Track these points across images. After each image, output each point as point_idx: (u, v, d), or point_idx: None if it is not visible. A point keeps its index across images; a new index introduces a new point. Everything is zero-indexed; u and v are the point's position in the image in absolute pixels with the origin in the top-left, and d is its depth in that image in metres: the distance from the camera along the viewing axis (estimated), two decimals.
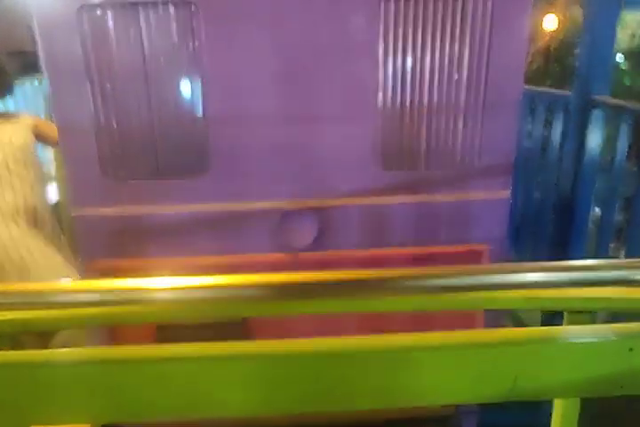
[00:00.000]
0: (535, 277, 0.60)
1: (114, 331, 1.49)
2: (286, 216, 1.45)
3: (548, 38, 5.37)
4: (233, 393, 0.59)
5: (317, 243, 1.48)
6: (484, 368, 0.58)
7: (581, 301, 0.72)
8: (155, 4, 1.30)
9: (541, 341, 0.59)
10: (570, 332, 0.64)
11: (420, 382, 0.58)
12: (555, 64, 5.34)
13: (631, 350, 0.57)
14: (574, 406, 0.69)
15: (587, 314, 0.72)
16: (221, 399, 0.59)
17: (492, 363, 0.58)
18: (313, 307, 0.77)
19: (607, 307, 0.81)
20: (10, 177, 1.79)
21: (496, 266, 0.64)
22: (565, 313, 0.74)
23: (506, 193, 1.50)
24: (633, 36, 5.82)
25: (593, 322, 0.72)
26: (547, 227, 2.42)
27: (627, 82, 5.48)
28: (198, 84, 1.36)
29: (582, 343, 0.59)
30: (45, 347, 1.95)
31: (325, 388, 0.58)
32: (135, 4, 1.30)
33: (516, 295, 0.72)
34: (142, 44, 1.32)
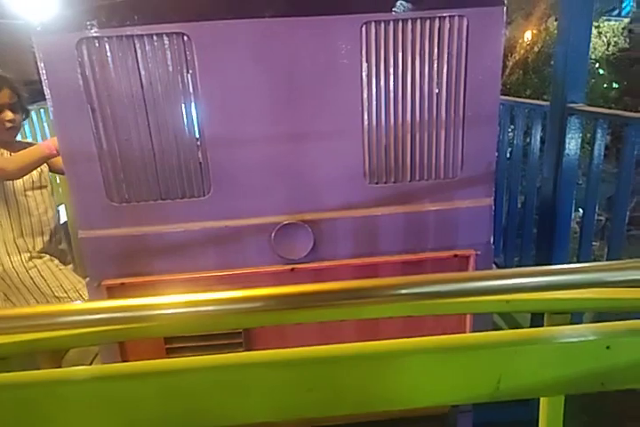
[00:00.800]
0: (516, 282, 0.62)
1: (124, 344, 1.55)
2: (282, 230, 1.53)
3: (525, 50, 5.54)
4: (233, 401, 0.62)
5: (312, 254, 1.56)
6: (468, 370, 0.61)
7: (560, 302, 0.77)
8: (150, 36, 1.38)
9: (522, 342, 0.62)
10: (549, 333, 0.66)
11: (407, 385, 0.61)
12: (533, 75, 5.51)
13: (608, 347, 0.60)
14: (559, 403, 0.74)
15: (566, 315, 0.78)
16: (232, 408, 0.62)
17: (476, 365, 0.61)
18: (309, 316, 0.83)
19: (584, 307, 0.85)
20: (41, 197, 1.93)
21: (479, 273, 0.68)
22: (546, 315, 0.79)
23: (489, 200, 1.59)
24: (608, 43, 6.01)
25: (572, 322, 0.78)
26: (531, 230, 2.51)
27: (604, 86, 5.65)
28: (194, 110, 1.44)
29: (562, 343, 0.61)
30: (58, 365, 2.00)
31: (318, 393, 0.61)
32: (131, 36, 1.38)
33: (499, 299, 0.77)
34: (140, 73, 1.40)
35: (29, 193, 2.01)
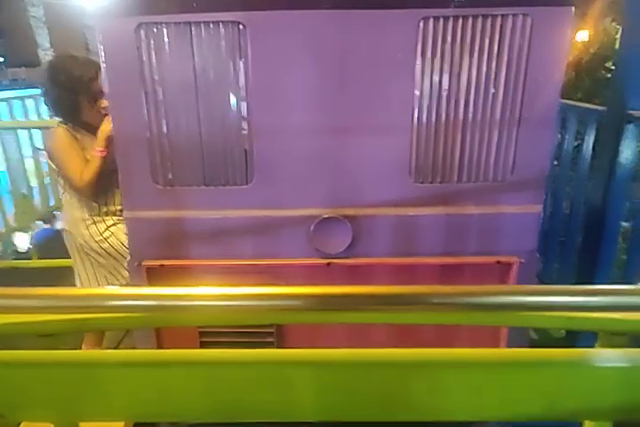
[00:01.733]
0: (572, 300, 0.59)
1: (160, 332, 1.58)
2: (321, 223, 1.52)
3: (579, 51, 5.32)
4: (270, 398, 0.62)
5: (350, 250, 1.54)
6: (519, 387, 0.59)
7: (616, 322, 0.73)
8: (206, 23, 1.38)
9: (578, 362, 0.59)
10: (604, 355, 0.63)
11: (453, 397, 0.59)
12: (585, 77, 5.29)
13: None
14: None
15: (622, 336, 0.74)
16: (258, 403, 0.62)
17: (529, 382, 0.58)
18: (347, 317, 0.81)
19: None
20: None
21: (538, 288, 0.64)
22: (600, 334, 0.75)
23: (537, 207, 1.53)
24: None
25: (627, 344, 0.74)
26: (575, 238, 2.42)
27: None
28: (244, 99, 1.44)
29: (617, 367, 0.59)
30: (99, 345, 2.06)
31: (363, 397, 0.59)
32: (188, 23, 1.38)
33: (559, 316, 0.73)
34: (194, 59, 1.41)
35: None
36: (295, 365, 0.62)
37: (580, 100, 5.02)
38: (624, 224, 2.32)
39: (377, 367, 0.60)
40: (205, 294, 0.67)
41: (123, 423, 1.80)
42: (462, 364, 0.59)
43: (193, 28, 1.39)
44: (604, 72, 5.20)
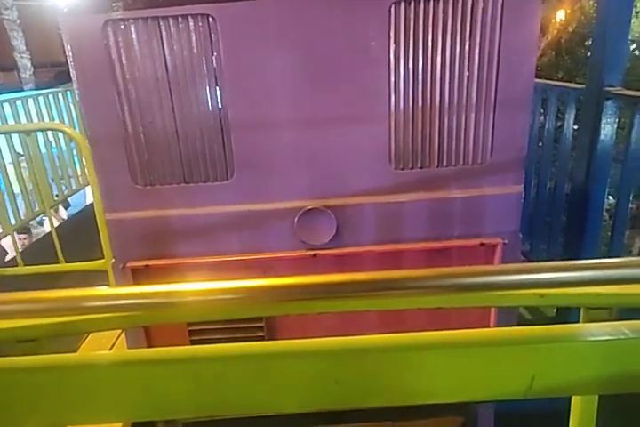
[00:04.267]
0: (551, 277, 0.60)
1: (150, 331, 1.57)
2: (305, 215, 1.51)
3: (558, 31, 5.33)
4: (260, 390, 0.61)
5: (335, 240, 1.54)
6: (501, 366, 0.59)
7: (597, 297, 0.73)
8: (175, 17, 1.36)
9: (559, 338, 0.59)
10: (587, 329, 0.63)
11: (438, 379, 0.59)
12: (565, 56, 5.30)
13: None
14: (592, 402, 0.71)
15: (604, 310, 0.74)
16: (250, 396, 0.62)
17: (510, 361, 0.58)
18: (333, 306, 0.82)
19: (623, 303, 0.80)
20: None
21: (514, 266, 0.65)
22: (582, 309, 0.76)
23: (518, 188, 1.54)
24: None
25: (610, 318, 0.75)
26: (561, 217, 2.44)
27: None
28: (219, 93, 1.43)
29: (599, 341, 0.58)
30: None
31: (345, 385, 0.59)
32: (156, 18, 1.36)
33: (533, 293, 0.74)
34: (165, 55, 1.39)
35: None
36: (279, 356, 0.63)
37: (561, 79, 5.04)
38: (610, 200, 2.33)
39: (359, 354, 0.61)
40: (192, 289, 0.67)
41: (121, 425, 1.81)
42: (443, 346, 0.59)
43: (162, 23, 1.37)
44: (583, 51, 5.22)
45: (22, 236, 4.89)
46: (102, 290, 0.75)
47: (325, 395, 0.61)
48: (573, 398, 0.70)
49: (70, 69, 1.39)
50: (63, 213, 5.67)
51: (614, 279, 0.60)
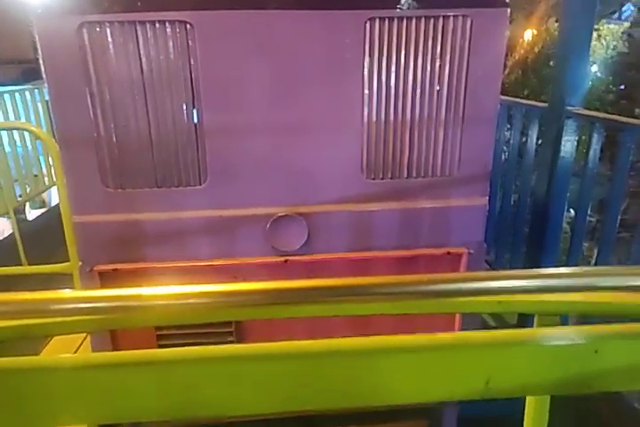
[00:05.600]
0: (508, 285, 0.63)
1: (116, 335, 1.55)
2: (277, 221, 1.53)
3: (525, 50, 5.54)
4: (225, 393, 0.62)
5: (306, 246, 1.56)
6: (457, 369, 0.61)
7: (551, 304, 0.78)
8: (152, 23, 1.37)
9: (512, 342, 0.62)
10: (539, 334, 0.66)
11: (396, 382, 0.61)
12: (531, 75, 5.51)
13: (596, 351, 0.60)
14: (545, 402, 0.74)
15: (556, 317, 0.79)
16: (215, 399, 0.63)
17: (466, 364, 0.61)
18: (299, 311, 0.83)
19: (574, 310, 0.85)
20: None
21: (472, 274, 0.69)
22: (536, 316, 0.80)
23: (483, 200, 1.60)
24: (608, 47, 6.03)
25: (562, 324, 0.79)
26: (523, 229, 2.53)
27: (602, 89, 5.68)
28: (194, 99, 1.43)
29: (551, 345, 0.62)
30: None
31: (309, 387, 0.61)
32: (133, 22, 1.36)
33: (491, 300, 0.78)
34: (140, 59, 1.39)
35: None
36: (245, 359, 0.64)
37: (527, 96, 5.24)
38: (571, 213, 2.44)
39: (323, 358, 0.62)
40: (160, 293, 0.67)
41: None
42: (403, 349, 0.62)
43: (139, 28, 1.37)
44: (548, 70, 5.44)
45: None
46: (68, 293, 0.74)
47: (290, 397, 0.63)
48: (527, 399, 0.74)
49: (42, 69, 1.38)
50: (30, 214, 5.49)
51: (564, 287, 0.64)
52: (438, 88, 1.49)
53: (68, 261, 2.36)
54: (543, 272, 0.62)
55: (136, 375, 0.64)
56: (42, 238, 3.04)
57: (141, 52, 1.39)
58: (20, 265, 2.54)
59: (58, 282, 2.43)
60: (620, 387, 0.66)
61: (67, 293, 0.75)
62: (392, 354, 0.62)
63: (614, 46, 6.32)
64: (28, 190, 4.00)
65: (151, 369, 0.64)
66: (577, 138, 2.24)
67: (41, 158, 4.18)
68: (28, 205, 4.65)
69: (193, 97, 1.44)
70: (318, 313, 0.86)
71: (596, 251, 2.17)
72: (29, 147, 4.04)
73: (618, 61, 6.00)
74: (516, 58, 5.44)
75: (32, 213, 5.23)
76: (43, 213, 4.48)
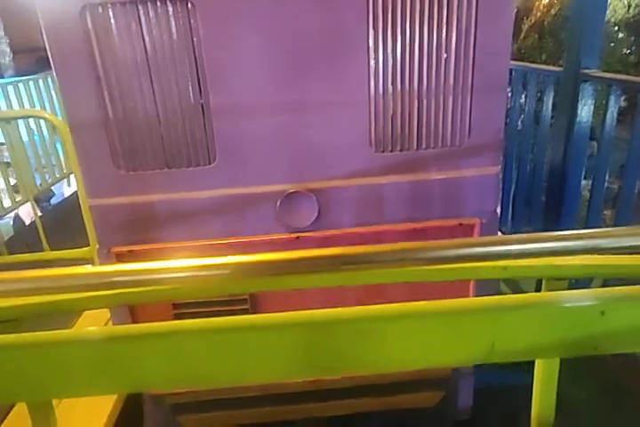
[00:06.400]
0: (512, 249, 0.63)
1: (134, 310, 1.60)
2: (287, 198, 1.54)
3: (542, 13, 5.33)
4: (235, 362, 0.64)
5: (317, 222, 1.57)
6: (463, 334, 0.62)
7: (556, 269, 0.78)
8: (154, 2, 1.36)
9: (517, 307, 0.62)
10: (545, 298, 0.67)
11: (403, 348, 0.62)
12: (549, 39, 5.32)
13: (603, 313, 0.61)
14: (554, 365, 0.75)
15: (564, 281, 0.79)
16: (225, 369, 0.65)
17: (471, 329, 0.62)
18: (311, 281, 0.85)
19: (580, 274, 0.85)
20: None
21: (475, 239, 0.69)
22: (544, 281, 0.80)
23: (496, 169, 1.58)
24: (629, 5, 5.77)
25: (569, 288, 0.79)
26: (540, 198, 2.49)
27: (623, 51, 5.45)
28: (200, 78, 1.43)
29: (557, 308, 0.62)
30: None
31: (316, 356, 0.62)
32: (134, 2, 1.35)
33: (496, 266, 0.78)
34: (144, 40, 1.39)
35: None
36: (252, 329, 0.65)
37: (544, 62, 5.07)
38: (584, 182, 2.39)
39: (328, 326, 0.64)
40: (175, 266, 0.70)
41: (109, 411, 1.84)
42: (408, 316, 0.63)
43: (140, 8, 1.36)
44: (566, 33, 5.24)
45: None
46: (85, 268, 0.77)
47: (297, 366, 0.64)
48: (537, 362, 0.74)
49: (49, 54, 1.38)
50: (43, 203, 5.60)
51: (571, 250, 0.64)
52: (446, 56, 1.45)
53: (89, 246, 2.42)
54: (547, 235, 0.62)
55: (147, 347, 0.66)
56: (65, 224, 3.11)
57: (144, 32, 1.38)
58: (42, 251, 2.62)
59: None
60: (627, 348, 0.67)
61: (83, 269, 0.78)
62: (397, 321, 0.63)
63: (636, 5, 6.04)
64: (48, 179, 4.08)
65: (161, 341, 0.66)
66: (594, 102, 2.17)
67: (58, 146, 4.25)
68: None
69: (198, 77, 1.43)
70: (327, 283, 0.88)
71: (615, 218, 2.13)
72: (47, 136, 4.10)
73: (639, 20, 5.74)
74: (533, 21, 5.25)
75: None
76: (62, 201, 4.56)
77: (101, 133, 1.45)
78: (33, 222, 2.86)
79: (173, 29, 1.38)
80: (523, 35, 5.24)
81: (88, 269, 0.80)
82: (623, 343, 0.65)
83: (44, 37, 1.36)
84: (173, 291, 0.96)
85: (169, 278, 0.73)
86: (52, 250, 2.64)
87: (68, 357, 0.66)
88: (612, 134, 2.02)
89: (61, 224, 3.18)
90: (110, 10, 1.36)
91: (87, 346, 0.66)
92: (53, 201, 4.76)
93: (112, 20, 1.37)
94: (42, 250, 2.64)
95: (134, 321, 1.59)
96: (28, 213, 4.02)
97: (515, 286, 2.41)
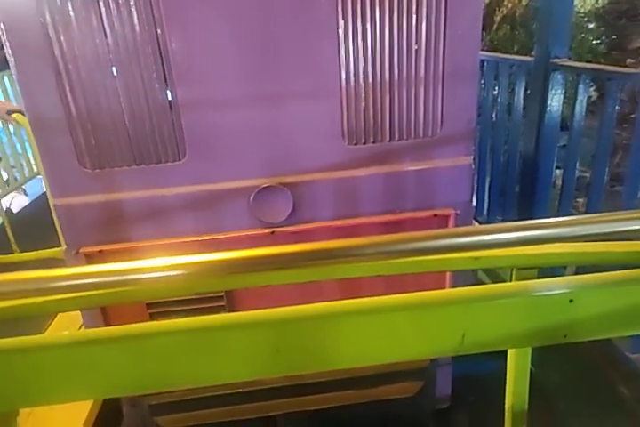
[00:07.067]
0: (481, 239, 0.62)
1: (107, 311, 1.56)
2: (261, 193, 1.51)
3: (513, 4, 5.38)
4: (202, 363, 0.63)
5: (292, 217, 1.55)
6: (433, 326, 0.62)
7: (527, 258, 0.78)
8: None
9: (487, 297, 0.62)
10: (514, 287, 0.67)
11: (374, 342, 0.62)
12: (520, 30, 5.37)
13: (571, 301, 0.61)
14: (526, 354, 0.76)
15: (534, 270, 0.78)
16: (193, 369, 0.64)
17: (441, 320, 0.62)
18: (284, 277, 0.83)
19: (550, 262, 0.85)
20: None
21: (446, 231, 0.68)
22: (514, 270, 0.80)
23: (468, 159, 1.58)
24: None
25: (544, 276, 0.79)
26: (514, 187, 2.52)
27: (592, 41, 5.55)
28: (166, 71, 1.39)
29: (526, 297, 0.62)
30: None
31: (287, 353, 0.62)
32: None
33: (468, 256, 0.77)
34: (105, 33, 1.34)
35: None
36: (221, 328, 0.64)
37: (517, 52, 5.11)
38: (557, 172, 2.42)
39: (297, 323, 0.63)
40: (149, 266, 0.68)
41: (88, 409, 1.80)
42: (377, 310, 0.62)
43: None
44: (537, 24, 5.29)
45: None
46: (54, 271, 0.74)
47: (267, 364, 0.63)
48: (509, 352, 0.75)
49: (6, 49, 1.33)
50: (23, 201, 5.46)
51: (542, 238, 0.63)
52: (416, 46, 1.44)
53: (60, 246, 2.35)
54: (517, 225, 0.61)
55: (118, 350, 0.64)
56: (33, 227, 3.03)
57: (105, 24, 1.33)
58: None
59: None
60: (596, 335, 0.67)
61: (49, 271, 0.75)
62: (366, 315, 0.62)
63: None
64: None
65: (132, 343, 0.64)
66: (565, 92, 2.20)
67: (27, 145, 4.13)
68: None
69: (164, 70, 1.39)
70: (298, 278, 0.86)
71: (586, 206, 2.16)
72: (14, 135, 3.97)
73: (608, 10, 5.84)
74: (504, 13, 5.29)
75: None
76: (31, 202, 4.45)
77: (64, 130, 1.40)
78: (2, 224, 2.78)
79: (136, 21, 1.34)
80: (495, 26, 5.28)
81: (57, 271, 0.77)
82: (592, 330, 0.66)
83: (2, 30, 1.31)
84: (148, 291, 0.94)
85: (142, 279, 0.70)
86: (22, 251, 2.56)
87: (37, 363, 0.64)
88: (583, 124, 2.05)
89: (34, 224, 3.10)
90: (68, 1, 1.31)
91: (57, 351, 0.65)
92: (27, 201, 4.63)
93: (71, 12, 1.32)
94: (12, 252, 2.57)
95: (107, 323, 1.55)
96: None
97: (494, 275, 2.43)
